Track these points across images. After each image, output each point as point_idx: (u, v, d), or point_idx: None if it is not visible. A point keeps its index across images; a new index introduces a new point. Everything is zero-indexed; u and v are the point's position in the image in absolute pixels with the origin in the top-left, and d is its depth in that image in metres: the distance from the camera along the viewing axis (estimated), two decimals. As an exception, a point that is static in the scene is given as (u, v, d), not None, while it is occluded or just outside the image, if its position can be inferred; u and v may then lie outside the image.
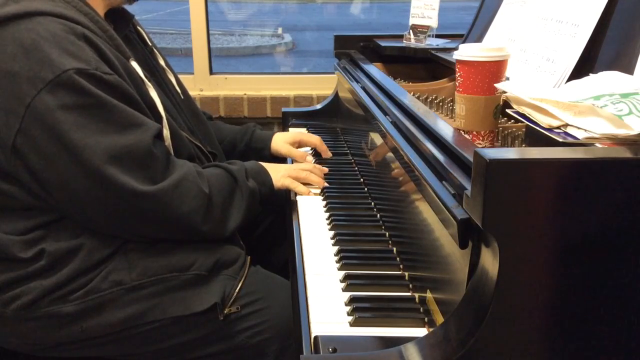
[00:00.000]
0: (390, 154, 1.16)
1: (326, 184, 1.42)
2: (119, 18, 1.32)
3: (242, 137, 1.63)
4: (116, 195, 1.10)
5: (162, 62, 1.43)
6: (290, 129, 1.95)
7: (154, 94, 1.23)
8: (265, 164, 1.38)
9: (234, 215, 1.24)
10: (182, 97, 1.45)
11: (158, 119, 1.22)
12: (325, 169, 1.47)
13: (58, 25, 1.09)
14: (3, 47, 1.08)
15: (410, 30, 1.83)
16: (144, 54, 1.38)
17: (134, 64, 1.21)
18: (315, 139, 1.65)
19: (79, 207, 1.14)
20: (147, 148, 1.11)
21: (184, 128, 1.35)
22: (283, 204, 1.44)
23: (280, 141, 1.62)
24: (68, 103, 1.07)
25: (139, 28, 1.42)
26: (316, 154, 1.64)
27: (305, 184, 1.41)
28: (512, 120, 1.06)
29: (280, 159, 1.62)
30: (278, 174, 1.38)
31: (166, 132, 1.23)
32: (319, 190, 1.40)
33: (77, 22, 1.12)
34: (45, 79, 1.06)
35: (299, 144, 1.65)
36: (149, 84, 1.23)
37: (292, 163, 1.57)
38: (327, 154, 1.62)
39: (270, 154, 1.62)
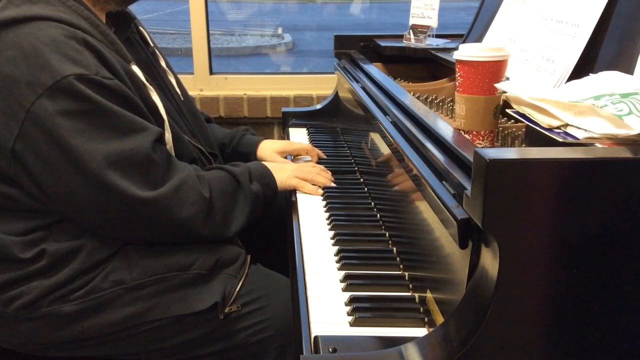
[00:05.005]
0: (390, 154, 1.16)
1: (333, 184, 1.42)
2: (120, 20, 1.31)
3: (230, 140, 1.62)
4: (115, 200, 1.10)
5: (163, 64, 1.43)
6: (290, 129, 1.95)
7: (155, 97, 1.23)
8: (269, 164, 1.37)
9: (236, 218, 1.24)
10: (182, 98, 1.45)
11: (160, 122, 1.21)
12: (329, 173, 1.47)
13: (58, 30, 1.09)
14: (3, 52, 1.08)
15: (410, 30, 1.83)
16: (145, 56, 1.38)
17: (135, 68, 1.21)
18: (306, 146, 1.62)
19: (78, 211, 1.14)
20: (147, 153, 1.11)
21: (186, 131, 1.35)
22: (283, 204, 1.44)
23: (267, 149, 1.59)
24: (68, 108, 1.07)
25: (141, 29, 1.42)
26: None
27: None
28: (512, 120, 1.07)
29: None
30: (284, 174, 1.38)
31: (168, 136, 1.23)
32: (321, 190, 1.40)
33: (78, 27, 1.12)
34: (45, 84, 1.05)
35: (289, 154, 1.62)
36: (151, 87, 1.23)
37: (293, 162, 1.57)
38: (319, 156, 1.61)
39: (255, 160, 1.58)
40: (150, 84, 1.24)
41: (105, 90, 1.09)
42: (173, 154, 1.23)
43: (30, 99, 1.06)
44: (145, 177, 1.12)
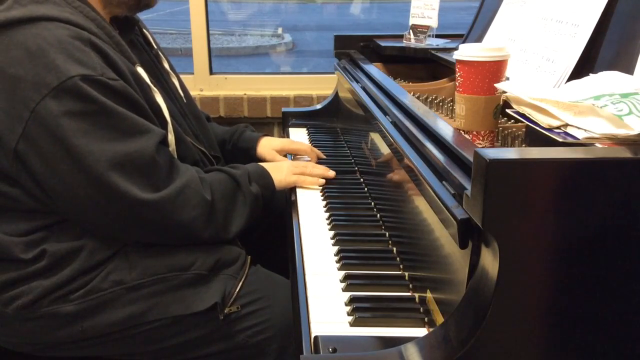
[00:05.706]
0: (390, 154, 1.16)
1: (332, 173, 1.42)
2: (124, 23, 1.32)
3: (230, 137, 1.62)
4: (118, 202, 1.10)
5: (166, 65, 1.43)
6: (290, 129, 1.95)
7: (159, 99, 1.23)
8: (266, 165, 1.38)
9: (236, 220, 1.24)
10: (185, 100, 1.45)
11: (163, 124, 1.22)
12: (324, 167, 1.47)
13: (64, 30, 1.09)
14: (9, 51, 1.08)
15: (410, 30, 1.83)
16: (149, 58, 1.38)
17: (140, 70, 1.21)
18: (306, 147, 1.61)
19: (81, 212, 1.14)
20: (151, 155, 1.11)
21: (189, 133, 1.35)
22: (283, 205, 1.44)
23: (267, 146, 1.60)
24: (72, 109, 1.07)
25: (144, 31, 1.42)
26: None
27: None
28: (512, 120, 1.07)
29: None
30: (281, 173, 1.38)
31: (171, 137, 1.23)
32: (322, 180, 1.42)
33: (84, 27, 1.12)
34: (50, 84, 1.05)
35: (288, 152, 1.62)
36: (155, 89, 1.23)
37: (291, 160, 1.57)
38: (319, 156, 1.61)
39: (255, 155, 1.60)
40: (155, 86, 1.24)
41: (110, 91, 1.09)
42: (175, 155, 1.23)
43: (35, 99, 1.06)
44: (148, 179, 1.12)
